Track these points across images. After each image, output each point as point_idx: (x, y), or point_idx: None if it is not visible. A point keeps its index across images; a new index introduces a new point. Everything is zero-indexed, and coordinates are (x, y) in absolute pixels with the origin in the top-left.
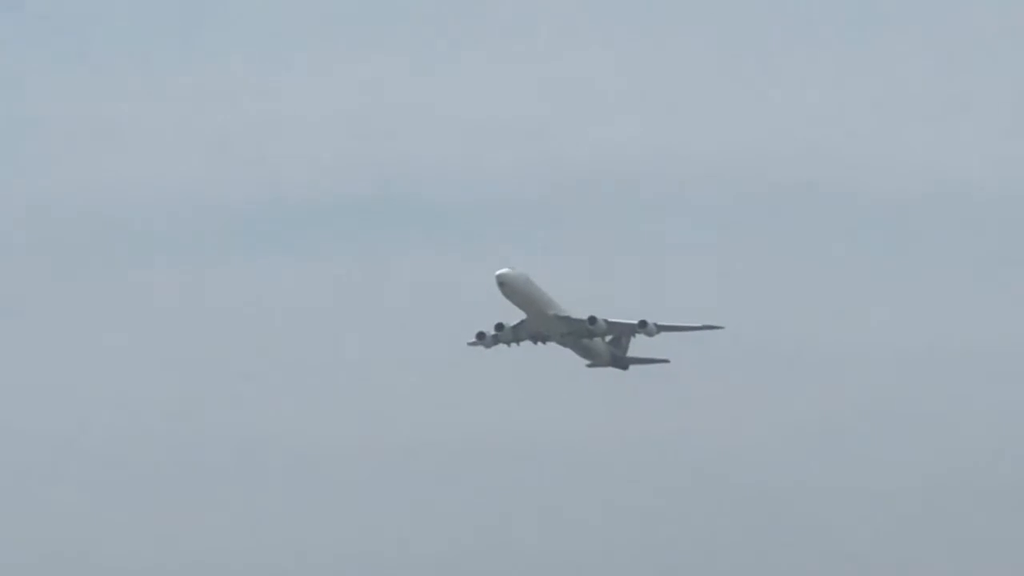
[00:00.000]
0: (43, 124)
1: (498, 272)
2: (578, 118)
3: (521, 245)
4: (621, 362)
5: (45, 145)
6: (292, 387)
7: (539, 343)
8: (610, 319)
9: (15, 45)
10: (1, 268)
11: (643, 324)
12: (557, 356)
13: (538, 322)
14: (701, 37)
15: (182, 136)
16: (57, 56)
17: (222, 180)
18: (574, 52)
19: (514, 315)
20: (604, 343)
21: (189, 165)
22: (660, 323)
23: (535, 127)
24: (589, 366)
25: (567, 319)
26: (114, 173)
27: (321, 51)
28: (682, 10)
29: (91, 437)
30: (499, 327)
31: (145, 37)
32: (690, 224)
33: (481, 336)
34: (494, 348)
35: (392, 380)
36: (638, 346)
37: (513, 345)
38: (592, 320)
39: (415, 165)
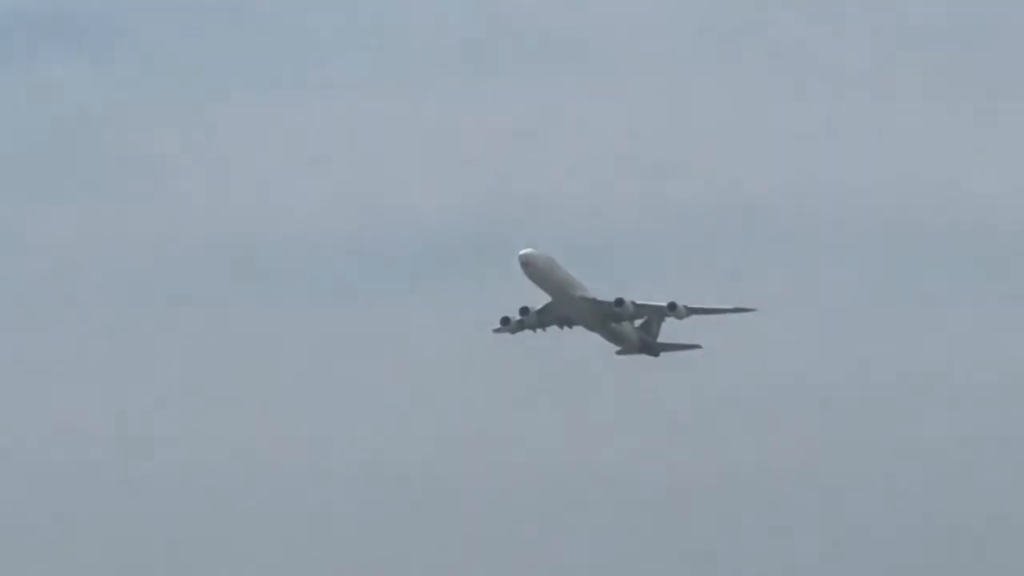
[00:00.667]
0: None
1: (522, 252)
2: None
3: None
4: (652, 348)
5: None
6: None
7: (565, 328)
8: (638, 301)
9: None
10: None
11: (673, 307)
12: (585, 342)
13: (563, 305)
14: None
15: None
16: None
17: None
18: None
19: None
20: (633, 328)
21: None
22: (690, 305)
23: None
24: (619, 353)
25: (593, 301)
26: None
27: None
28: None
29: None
30: (524, 311)
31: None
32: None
33: (506, 322)
34: (520, 334)
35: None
36: (668, 331)
37: (539, 331)
38: (619, 302)
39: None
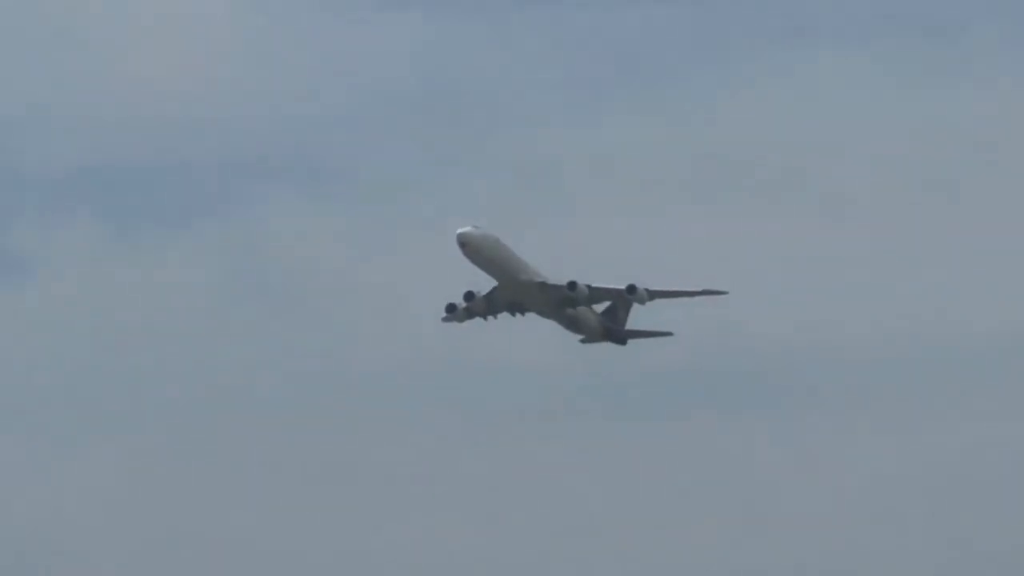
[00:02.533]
0: None
1: (459, 230)
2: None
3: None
4: (618, 336)
5: None
6: None
7: (517, 314)
8: (594, 284)
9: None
10: None
11: (632, 290)
12: (547, 332)
13: (512, 289)
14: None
15: None
16: None
17: None
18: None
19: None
20: (595, 315)
21: None
22: (653, 288)
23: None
24: (583, 342)
25: (544, 285)
26: None
27: None
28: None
29: None
30: (468, 296)
31: None
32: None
33: (452, 309)
34: (469, 323)
35: None
36: (638, 318)
37: (490, 319)
38: (572, 285)
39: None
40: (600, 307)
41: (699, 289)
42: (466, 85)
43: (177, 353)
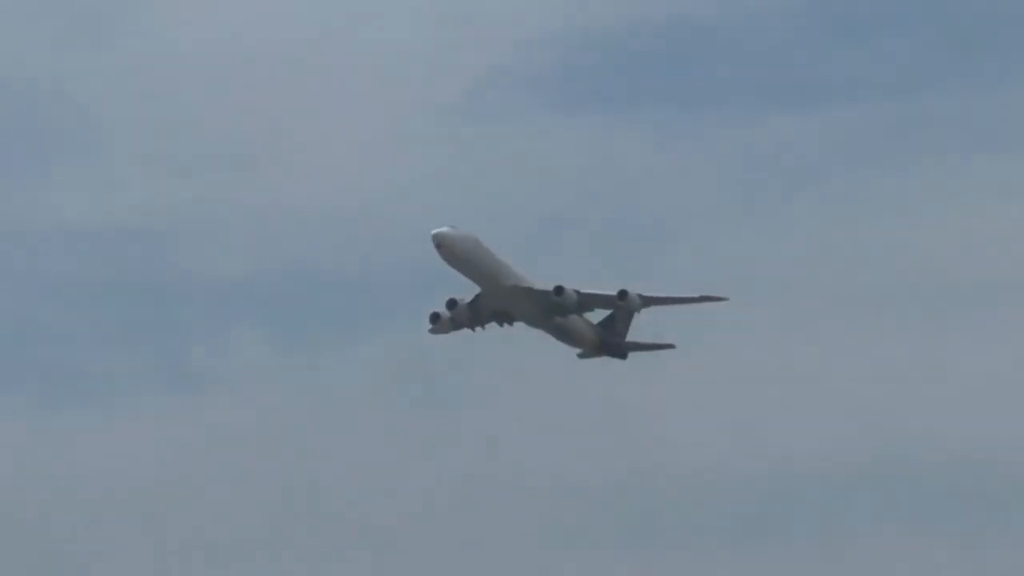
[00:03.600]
0: None
1: (435, 230)
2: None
3: None
4: (617, 349)
5: None
6: None
7: (505, 325)
8: (583, 290)
9: None
10: None
11: (623, 295)
12: (541, 346)
13: (495, 296)
14: None
15: None
16: None
17: None
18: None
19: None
20: (588, 325)
21: None
22: (647, 294)
23: None
24: (581, 356)
25: (529, 291)
26: None
27: None
28: None
29: None
30: (451, 304)
31: None
32: None
33: (436, 319)
34: (456, 333)
35: None
36: (639, 329)
37: (478, 329)
38: (559, 291)
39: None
40: (598, 317)
41: (697, 296)
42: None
43: (356, 467)
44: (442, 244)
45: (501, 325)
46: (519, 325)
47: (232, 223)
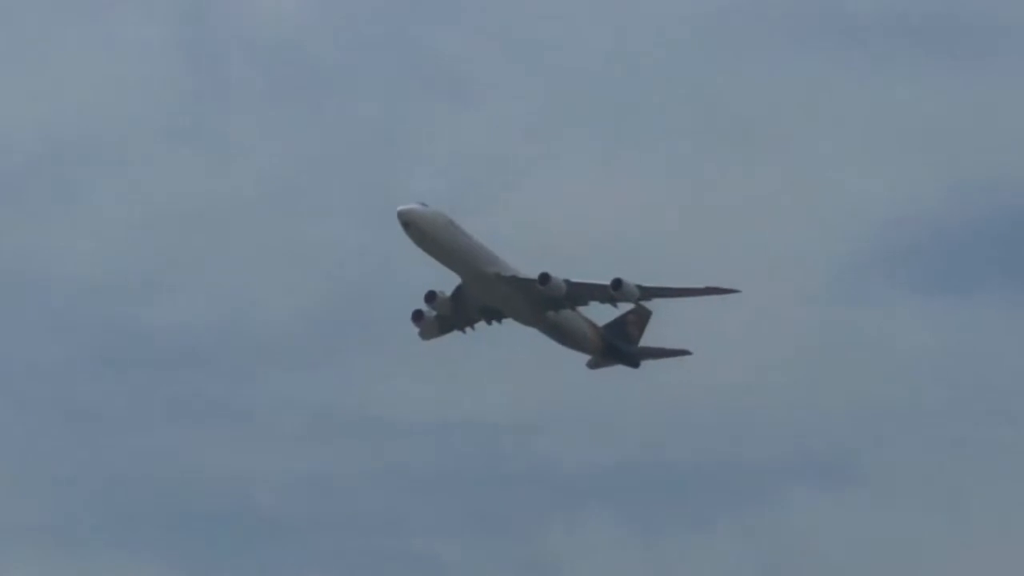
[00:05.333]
0: None
1: (400, 207)
2: None
3: None
4: (627, 356)
5: None
6: None
7: (494, 323)
8: (573, 279)
9: None
10: None
11: (617, 284)
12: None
13: (477, 286)
14: None
15: None
16: None
17: None
18: None
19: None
20: (589, 324)
21: None
22: (647, 284)
23: None
24: (590, 366)
25: (513, 279)
26: None
27: None
28: None
29: None
30: (430, 297)
31: None
32: None
33: (419, 316)
34: (445, 336)
35: None
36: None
37: (468, 331)
38: (544, 279)
39: None
40: (607, 320)
41: (703, 287)
42: None
43: None
44: (410, 223)
45: (490, 323)
46: (512, 325)
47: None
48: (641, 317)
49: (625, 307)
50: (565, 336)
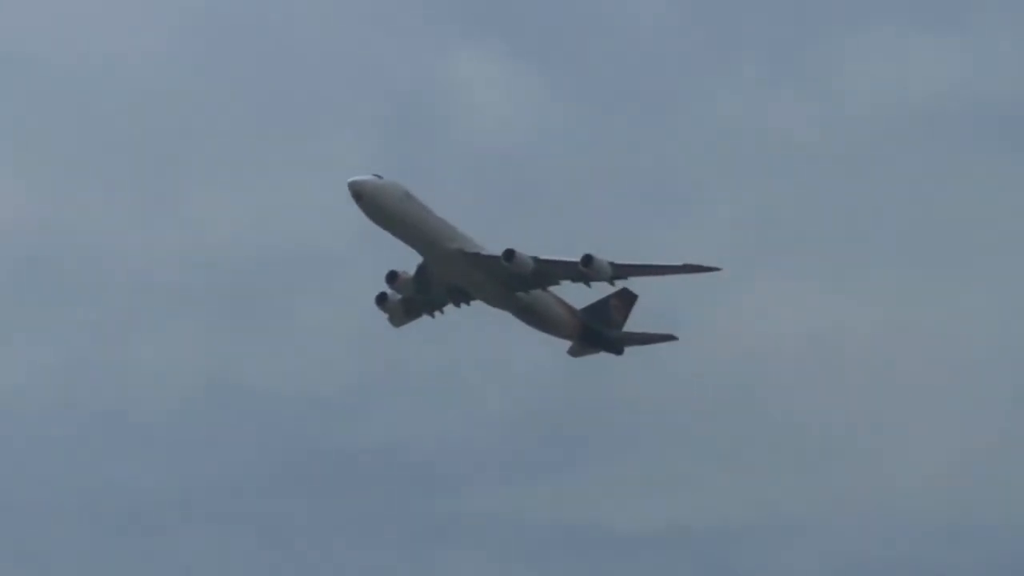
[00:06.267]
0: None
1: (352, 179)
2: None
3: None
4: (608, 341)
5: None
6: None
7: (462, 305)
8: (542, 256)
9: None
10: None
11: (588, 260)
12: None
13: (439, 264)
14: None
15: None
16: None
17: None
18: None
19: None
20: (563, 305)
21: None
22: (621, 262)
23: None
24: (571, 353)
25: (476, 256)
26: None
27: None
28: None
29: None
30: (391, 277)
31: None
32: None
33: (383, 299)
34: (416, 321)
35: None
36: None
37: (438, 315)
38: (509, 255)
39: None
40: (587, 303)
41: (681, 264)
42: None
43: None
44: (362, 195)
45: (458, 305)
46: (481, 307)
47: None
48: (625, 301)
49: (600, 288)
50: (538, 319)
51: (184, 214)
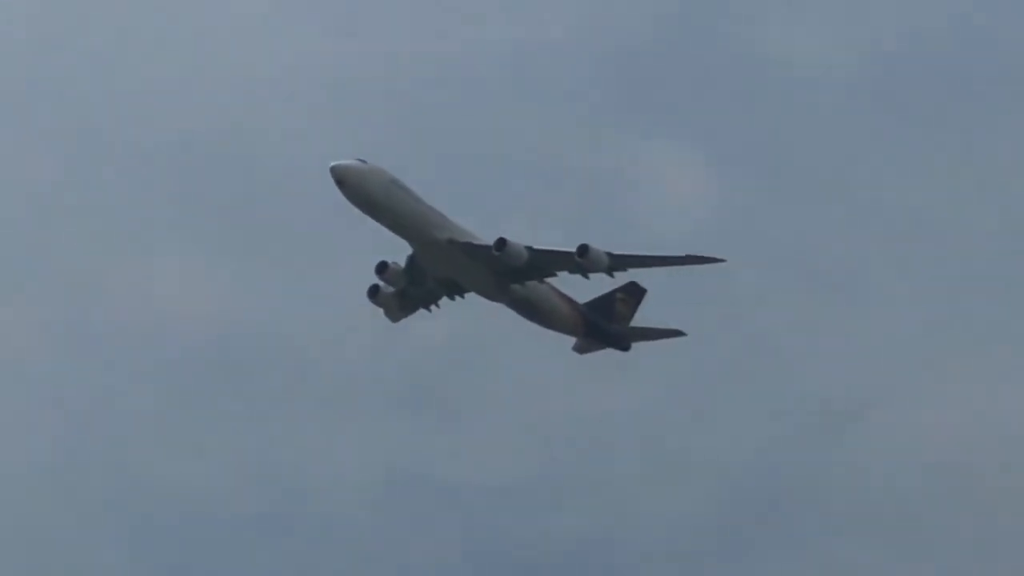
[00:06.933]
0: None
1: (334, 163)
2: None
3: None
4: (614, 337)
5: None
6: None
7: (456, 297)
8: (536, 246)
9: None
10: None
11: (584, 251)
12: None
13: (426, 254)
14: None
15: None
16: None
17: None
18: None
19: None
20: (565, 301)
21: None
22: (618, 252)
23: None
24: (577, 350)
25: (467, 246)
26: None
27: None
28: None
29: None
30: (381, 268)
31: None
32: None
33: (375, 293)
34: (411, 316)
35: None
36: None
37: (434, 308)
38: (500, 244)
39: None
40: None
41: (683, 255)
42: None
43: None
44: (344, 180)
45: (452, 298)
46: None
47: None
48: (632, 294)
49: (601, 280)
50: (536, 313)
51: None
